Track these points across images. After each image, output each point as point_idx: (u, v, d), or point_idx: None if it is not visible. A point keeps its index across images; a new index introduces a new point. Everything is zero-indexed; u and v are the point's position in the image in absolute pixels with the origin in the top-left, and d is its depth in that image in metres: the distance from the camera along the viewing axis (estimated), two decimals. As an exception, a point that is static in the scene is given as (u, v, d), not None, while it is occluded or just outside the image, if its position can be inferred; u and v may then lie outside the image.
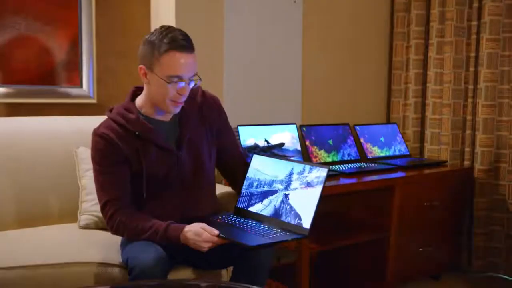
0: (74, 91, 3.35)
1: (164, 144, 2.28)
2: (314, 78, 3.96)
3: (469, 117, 3.96)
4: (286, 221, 2.21)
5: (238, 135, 3.39)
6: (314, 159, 3.63)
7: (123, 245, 2.30)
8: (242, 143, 3.39)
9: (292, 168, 2.31)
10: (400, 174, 3.60)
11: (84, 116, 3.14)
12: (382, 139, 4.07)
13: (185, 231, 2.12)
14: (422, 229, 3.64)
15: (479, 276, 3.91)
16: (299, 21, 3.85)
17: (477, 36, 3.90)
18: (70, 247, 2.44)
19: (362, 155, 3.92)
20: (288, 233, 2.14)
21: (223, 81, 3.49)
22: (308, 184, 2.21)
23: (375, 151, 3.98)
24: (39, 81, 3.25)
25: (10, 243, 2.53)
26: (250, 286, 1.96)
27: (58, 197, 2.84)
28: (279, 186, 2.32)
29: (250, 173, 2.45)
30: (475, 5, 3.87)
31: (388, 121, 4.40)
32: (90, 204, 2.72)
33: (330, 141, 3.80)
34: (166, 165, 2.29)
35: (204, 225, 2.12)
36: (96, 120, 2.35)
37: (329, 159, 3.72)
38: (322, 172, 2.20)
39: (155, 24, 3.34)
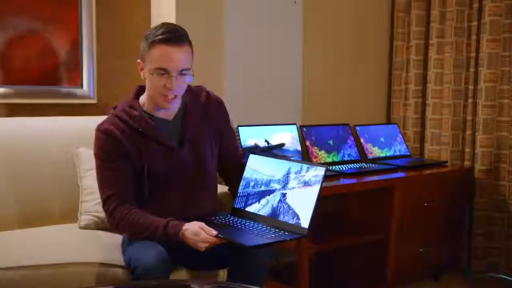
0: (74, 91, 3.35)
1: (167, 141, 2.28)
2: (314, 78, 3.96)
3: (469, 118, 3.96)
4: (284, 220, 2.19)
5: (238, 136, 3.39)
6: (314, 160, 3.63)
7: (125, 245, 2.30)
8: (242, 144, 3.39)
9: (290, 168, 2.29)
10: (400, 174, 3.61)
11: (85, 116, 3.14)
12: (382, 139, 4.07)
13: (183, 229, 2.11)
14: (422, 229, 3.64)
15: (479, 277, 3.91)
16: (300, 22, 3.85)
17: (477, 37, 3.90)
18: (70, 247, 2.45)
19: (362, 156, 3.93)
20: (286, 233, 2.12)
21: (223, 82, 3.49)
22: (306, 183, 2.19)
23: (375, 152, 3.98)
24: (39, 81, 3.25)
25: (11, 244, 2.53)
26: (251, 286, 1.96)
27: (59, 198, 2.84)
28: (276, 186, 2.30)
29: (247, 173, 2.43)
30: (475, 5, 3.87)
31: (388, 122, 4.40)
32: (90, 204, 2.72)
33: (331, 142, 3.80)
34: (168, 163, 2.28)
35: (202, 224, 2.11)
36: (97, 121, 2.34)
37: (329, 160, 3.72)
38: (320, 171, 2.18)
39: (155, 25, 3.34)
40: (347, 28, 4.15)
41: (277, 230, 2.14)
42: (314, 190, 2.15)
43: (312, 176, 2.18)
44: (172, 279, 2.22)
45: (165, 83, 2.17)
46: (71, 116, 3.14)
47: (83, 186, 2.77)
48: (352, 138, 3.93)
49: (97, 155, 2.28)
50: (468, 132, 3.96)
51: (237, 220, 2.30)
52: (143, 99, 2.33)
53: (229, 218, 2.33)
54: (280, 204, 2.24)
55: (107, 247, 2.43)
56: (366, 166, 3.73)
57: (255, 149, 3.45)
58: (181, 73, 2.18)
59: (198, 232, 2.08)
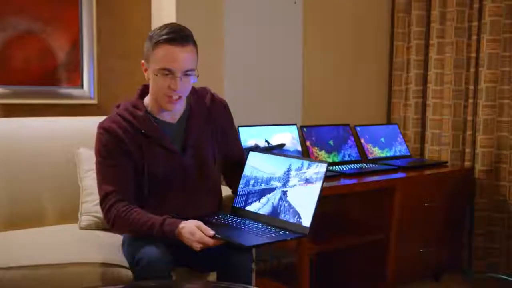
0: (74, 92, 3.35)
1: (169, 145, 2.26)
2: (314, 78, 3.96)
3: (469, 118, 3.96)
4: (285, 219, 2.14)
5: (239, 136, 3.39)
6: (314, 160, 3.64)
7: (125, 245, 2.29)
8: (242, 144, 3.39)
9: (290, 164, 2.24)
10: (400, 174, 3.61)
11: (85, 117, 3.14)
12: (382, 139, 4.07)
13: (180, 227, 2.07)
14: (422, 229, 3.65)
15: (479, 277, 3.91)
16: (300, 22, 3.85)
17: (477, 37, 3.90)
18: (70, 247, 2.44)
19: (363, 156, 3.93)
20: (287, 232, 2.09)
21: (223, 82, 3.49)
22: (307, 181, 2.15)
23: (376, 152, 3.98)
24: (39, 81, 3.25)
25: (11, 244, 2.53)
26: (249, 286, 1.96)
27: (59, 198, 2.84)
28: (277, 184, 2.25)
29: (247, 171, 2.39)
30: (476, 5, 3.88)
31: (389, 122, 4.41)
32: (91, 204, 2.72)
33: (331, 142, 3.81)
34: (169, 166, 2.26)
35: (200, 223, 2.08)
36: (97, 121, 2.33)
37: (329, 160, 3.72)
38: (321, 168, 2.13)
39: (156, 25, 3.34)
40: (347, 28, 4.15)
41: (278, 230, 2.10)
42: (316, 188, 2.11)
43: (314, 173, 2.14)
44: (171, 280, 2.19)
45: (169, 83, 2.14)
46: (72, 117, 3.14)
47: (83, 187, 2.77)
48: (353, 139, 3.94)
49: (98, 152, 2.25)
50: (469, 132, 3.96)
51: (237, 220, 2.25)
52: (147, 100, 2.31)
53: (228, 218, 2.29)
54: (280, 203, 2.20)
55: (107, 247, 2.42)
56: (366, 166, 3.73)
57: (256, 149, 3.44)
58: (186, 73, 2.16)
59: (194, 231, 2.05)
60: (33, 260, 2.29)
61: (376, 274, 3.53)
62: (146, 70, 2.23)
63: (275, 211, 2.20)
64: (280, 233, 2.08)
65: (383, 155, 4.00)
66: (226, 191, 2.62)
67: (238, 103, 3.53)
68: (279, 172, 2.27)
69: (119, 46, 3.40)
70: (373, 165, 3.76)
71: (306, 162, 2.20)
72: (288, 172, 2.24)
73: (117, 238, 2.41)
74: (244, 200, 2.35)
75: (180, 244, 2.08)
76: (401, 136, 4.20)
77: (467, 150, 3.97)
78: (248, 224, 2.20)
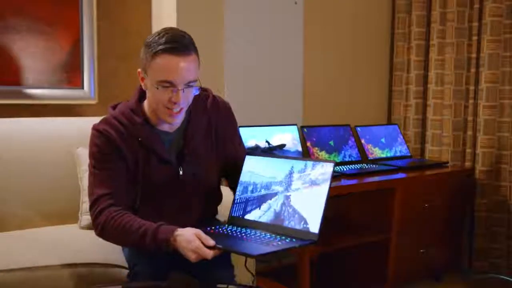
0: (75, 92, 3.36)
1: (166, 156, 2.11)
2: (315, 79, 3.96)
3: (470, 118, 3.96)
4: (290, 226, 1.97)
5: (242, 139, 3.39)
6: (315, 160, 3.63)
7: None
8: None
9: (292, 167, 2.07)
10: (401, 175, 3.61)
11: (85, 117, 3.15)
12: (383, 140, 4.07)
13: (176, 234, 1.89)
14: (423, 230, 3.65)
15: (480, 277, 3.91)
16: (300, 22, 3.85)
17: (478, 37, 3.90)
18: (71, 248, 2.45)
19: (363, 156, 3.93)
20: (294, 240, 1.91)
21: (224, 82, 3.49)
22: (313, 183, 1.98)
23: (376, 152, 3.98)
24: (40, 82, 3.26)
25: (11, 244, 2.53)
26: (250, 285, 1.94)
27: (59, 198, 2.84)
28: (278, 188, 2.07)
29: (244, 177, 2.19)
30: (476, 6, 3.88)
31: (389, 122, 4.40)
32: (91, 205, 2.72)
33: (331, 142, 3.81)
34: (164, 176, 2.12)
35: (199, 232, 1.89)
36: (97, 121, 2.33)
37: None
38: (328, 168, 1.96)
39: (156, 26, 3.35)
40: (347, 29, 4.15)
41: (283, 237, 1.94)
42: (323, 190, 1.94)
43: (319, 174, 1.97)
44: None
45: (170, 96, 1.97)
46: (72, 117, 3.14)
47: (83, 187, 2.77)
48: (353, 139, 3.94)
49: (92, 155, 2.10)
50: (469, 132, 3.96)
51: (236, 230, 2.07)
52: (146, 105, 2.14)
53: (227, 228, 2.10)
54: (284, 208, 2.02)
55: (107, 247, 2.41)
56: (367, 167, 3.73)
57: (256, 150, 3.45)
58: (188, 85, 1.99)
59: (191, 239, 1.86)
60: (33, 262, 2.29)
61: (376, 274, 3.53)
62: (143, 79, 2.06)
63: (278, 218, 2.03)
64: (287, 240, 1.92)
65: (383, 155, 4.00)
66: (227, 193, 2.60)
67: (238, 103, 3.52)
68: (280, 176, 2.09)
69: (120, 47, 3.40)
70: (374, 166, 3.76)
71: (310, 163, 2.03)
72: (290, 175, 2.07)
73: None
74: (242, 208, 2.16)
75: (174, 256, 1.92)
76: (401, 137, 4.20)
77: (468, 150, 3.98)
78: (249, 233, 2.03)
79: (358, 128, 3.98)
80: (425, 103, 4.22)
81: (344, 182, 3.34)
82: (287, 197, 2.04)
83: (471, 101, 3.96)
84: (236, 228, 2.09)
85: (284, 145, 3.59)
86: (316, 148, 3.70)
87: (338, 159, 3.79)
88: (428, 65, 4.18)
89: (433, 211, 3.66)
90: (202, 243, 1.85)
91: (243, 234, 2.02)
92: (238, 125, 3.22)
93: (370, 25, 4.27)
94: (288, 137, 3.64)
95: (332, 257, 3.66)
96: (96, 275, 2.27)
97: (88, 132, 2.25)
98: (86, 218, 2.72)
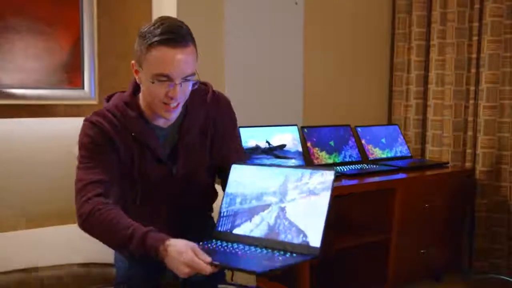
0: (75, 92, 3.35)
1: (160, 153, 2.01)
2: (315, 79, 3.96)
3: (470, 119, 3.96)
4: (287, 240, 1.78)
5: (240, 138, 3.38)
6: (315, 161, 3.63)
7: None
8: (243, 145, 3.38)
9: (286, 175, 1.88)
10: (401, 175, 3.61)
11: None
12: (383, 140, 4.06)
13: (167, 244, 1.70)
14: (423, 230, 3.64)
15: (480, 278, 3.91)
16: (301, 23, 3.85)
17: (478, 38, 3.89)
18: (71, 248, 2.44)
19: (364, 157, 3.93)
20: (294, 255, 1.73)
21: (224, 82, 3.49)
22: (311, 192, 1.81)
23: (377, 153, 3.97)
24: (40, 82, 3.25)
25: (11, 246, 2.53)
26: (250, 286, 1.91)
27: (58, 198, 2.84)
28: (271, 199, 1.88)
29: (230, 187, 1.99)
30: (477, 6, 3.87)
31: (390, 123, 4.40)
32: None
33: (332, 143, 3.80)
34: (156, 173, 2.02)
35: (193, 245, 1.70)
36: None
37: (330, 161, 3.72)
38: (328, 176, 1.79)
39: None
40: (348, 29, 4.15)
41: (281, 252, 1.75)
42: (323, 200, 1.77)
43: (318, 183, 1.80)
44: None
45: (166, 91, 1.85)
46: (72, 117, 3.14)
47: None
48: (353, 139, 3.93)
49: (83, 145, 1.95)
50: (469, 133, 3.96)
51: (227, 245, 1.87)
52: (141, 98, 2.02)
53: (216, 244, 1.89)
54: (279, 221, 1.83)
55: (106, 247, 2.42)
56: (367, 167, 3.73)
57: (256, 150, 3.45)
58: (186, 79, 1.87)
59: (184, 251, 1.67)
60: (33, 262, 2.29)
61: (376, 274, 3.53)
62: (137, 72, 1.93)
63: (272, 231, 1.83)
64: (287, 255, 1.73)
65: (384, 155, 4.00)
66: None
67: (238, 103, 3.50)
68: (273, 186, 1.90)
69: (120, 47, 3.39)
70: (374, 166, 3.76)
71: (307, 171, 1.85)
72: (284, 184, 1.88)
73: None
74: (230, 222, 1.95)
75: (159, 265, 1.75)
76: (401, 137, 4.19)
77: (468, 151, 3.97)
78: (243, 248, 1.83)
79: (359, 129, 3.98)
80: (425, 103, 4.21)
81: (345, 182, 3.34)
82: (282, 209, 1.85)
83: (471, 101, 3.96)
84: (226, 243, 1.88)
85: (284, 146, 3.58)
86: (317, 149, 3.69)
87: (339, 159, 3.78)
88: (428, 66, 4.17)
89: (434, 211, 3.65)
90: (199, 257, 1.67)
91: (237, 250, 1.82)
92: (239, 125, 3.20)
93: (370, 25, 4.27)
94: (288, 137, 3.64)
95: (332, 258, 3.65)
96: (95, 275, 2.27)
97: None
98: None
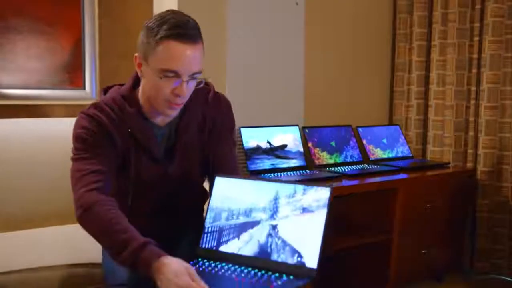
0: (76, 93, 3.35)
1: (156, 153, 1.95)
2: (316, 79, 3.95)
3: (471, 119, 3.96)
4: (280, 260, 1.67)
5: (241, 137, 3.39)
6: (316, 161, 3.63)
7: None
8: (244, 145, 3.39)
9: (277, 191, 1.77)
10: (402, 175, 3.60)
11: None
12: (384, 140, 4.06)
13: (163, 261, 1.59)
14: (424, 231, 3.64)
15: (481, 278, 3.90)
16: (301, 23, 3.84)
17: (479, 38, 3.90)
18: (71, 248, 2.45)
19: (365, 157, 3.92)
20: (291, 277, 1.64)
21: (225, 82, 3.48)
22: (305, 210, 1.70)
23: (378, 153, 3.97)
24: (42, 82, 3.25)
25: (11, 246, 2.54)
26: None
27: (60, 198, 2.83)
28: (261, 215, 1.76)
29: (215, 201, 1.87)
30: (478, 6, 3.88)
31: (391, 123, 4.40)
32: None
33: (333, 143, 3.80)
34: (152, 171, 1.96)
35: (190, 268, 1.59)
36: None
37: (331, 161, 3.72)
38: (324, 193, 1.69)
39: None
40: (349, 30, 4.14)
41: (277, 274, 1.65)
42: (318, 218, 1.67)
43: (313, 200, 1.70)
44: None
45: (173, 87, 1.79)
46: (73, 117, 3.13)
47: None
48: (354, 140, 3.93)
49: (79, 138, 1.88)
50: (471, 133, 3.96)
51: (216, 265, 1.75)
52: (140, 93, 1.94)
53: (204, 264, 1.77)
54: (271, 240, 1.72)
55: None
56: (368, 167, 3.73)
57: (257, 151, 3.44)
58: (192, 76, 1.81)
59: (180, 273, 1.55)
60: (33, 263, 2.30)
61: (378, 275, 3.53)
62: (140, 65, 1.86)
63: (263, 251, 1.71)
64: (284, 279, 1.63)
65: (385, 156, 3.99)
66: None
67: (240, 104, 3.51)
68: (263, 201, 1.78)
69: (121, 47, 3.39)
70: (375, 166, 3.75)
71: (300, 187, 1.74)
72: (275, 200, 1.76)
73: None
74: (215, 238, 1.82)
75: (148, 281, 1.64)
76: (403, 137, 4.19)
77: (469, 151, 3.97)
78: (235, 270, 1.71)
79: (360, 129, 3.97)
80: (426, 103, 4.21)
81: (346, 182, 3.34)
82: (274, 227, 1.74)
83: (472, 101, 3.96)
84: (215, 263, 1.77)
85: (285, 146, 3.58)
86: (318, 149, 3.69)
87: (340, 159, 3.78)
88: (429, 66, 4.18)
89: (435, 211, 3.65)
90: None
91: (230, 272, 1.70)
92: (240, 125, 3.19)
93: (371, 25, 4.27)
94: (289, 137, 3.63)
95: (333, 258, 3.65)
96: (94, 275, 2.26)
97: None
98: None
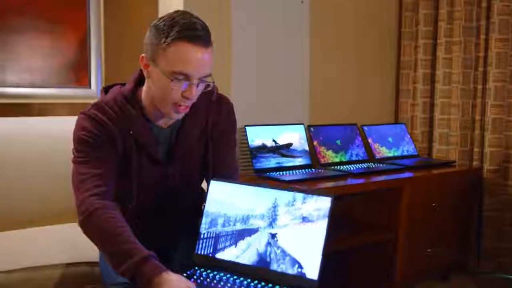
0: (82, 91, 3.36)
1: (158, 155, 1.93)
2: (322, 78, 3.95)
3: (478, 117, 3.95)
4: (280, 271, 1.64)
5: (246, 136, 3.39)
6: (322, 159, 3.62)
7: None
8: (249, 144, 3.39)
9: (276, 198, 1.72)
10: (408, 174, 3.60)
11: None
12: (390, 139, 4.06)
13: (164, 277, 1.56)
14: (430, 229, 3.63)
15: (487, 277, 3.90)
16: (306, 22, 3.84)
17: (486, 36, 3.89)
18: (74, 247, 2.45)
19: (370, 155, 3.92)
20: None
21: (231, 82, 3.49)
22: (305, 219, 1.66)
23: (383, 151, 3.97)
24: (47, 81, 3.27)
25: (13, 245, 2.56)
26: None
27: (64, 197, 2.85)
28: (259, 223, 1.72)
29: (210, 206, 1.82)
30: (484, 4, 3.87)
31: (396, 121, 4.39)
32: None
33: (338, 142, 3.80)
34: (154, 176, 1.94)
35: (192, 286, 1.57)
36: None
37: (337, 159, 3.71)
38: (325, 202, 1.65)
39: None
40: (354, 28, 4.14)
41: (277, 287, 1.63)
42: (319, 228, 1.63)
43: (313, 210, 1.66)
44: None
45: (183, 90, 1.75)
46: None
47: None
48: (360, 138, 3.92)
49: (79, 139, 1.84)
50: (477, 131, 3.95)
51: (211, 275, 1.71)
52: (143, 94, 1.90)
53: (199, 274, 1.72)
54: (269, 249, 1.68)
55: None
56: (374, 166, 3.72)
57: (263, 149, 3.44)
58: (202, 79, 1.78)
59: None
60: (35, 261, 2.31)
61: (384, 273, 3.52)
62: (147, 66, 1.80)
63: (262, 260, 1.68)
64: None
65: (390, 154, 3.99)
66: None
67: (246, 103, 3.54)
68: (261, 208, 1.73)
69: (127, 46, 3.40)
70: (381, 165, 3.75)
71: (299, 195, 1.69)
72: (274, 208, 1.72)
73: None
74: (211, 245, 1.77)
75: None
76: (408, 136, 4.19)
77: (475, 149, 3.96)
78: (229, 280, 1.67)
79: (365, 127, 3.97)
80: (432, 102, 4.21)
81: (351, 181, 3.34)
82: (273, 235, 1.70)
83: (478, 100, 3.95)
84: (212, 273, 1.72)
85: (291, 144, 3.58)
86: (323, 147, 3.69)
87: (345, 158, 3.78)
88: (435, 64, 4.17)
89: (441, 210, 3.64)
90: None
91: (229, 284, 1.65)
92: (246, 124, 3.19)
93: (376, 24, 4.26)
94: (295, 136, 3.63)
95: (339, 257, 3.65)
96: (97, 273, 2.26)
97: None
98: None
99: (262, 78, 3.67)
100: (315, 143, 3.67)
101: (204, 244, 1.78)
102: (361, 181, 3.38)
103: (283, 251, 1.66)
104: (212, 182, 1.86)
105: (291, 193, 1.71)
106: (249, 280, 1.65)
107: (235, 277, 1.68)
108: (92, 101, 3.34)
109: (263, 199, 1.74)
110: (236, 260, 1.71)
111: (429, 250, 3.63)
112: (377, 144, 3.96)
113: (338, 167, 3.61)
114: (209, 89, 1.85)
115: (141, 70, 1.88)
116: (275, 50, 3.72)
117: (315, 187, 3.16)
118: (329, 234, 1.63)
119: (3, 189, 2.80)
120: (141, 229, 1.72)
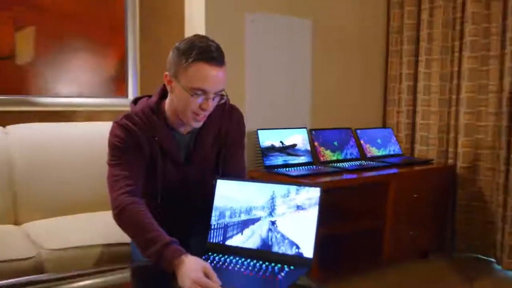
0: (121, 101, 3.39)
1: (180, 159, 1.93)
2: (322, 90, 3.95)
3: (452, 123, 3.92)
4: (281, 252, 1.67)
5: (257, 138, 3.40)
6: (321, 158, 3.62)
7: None
8: (260, 144, 3.40)
9: (273, 191, 1.75)
10: (394, 170, 3.58)
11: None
12: (379, 141, 4.04)
13: (183, 259, 1.57)
14: (412, 216, 3.62)
15: (460, 256, 3.88)
16: (310, 44, 3.83)
17: (459, 54, 3.86)
18: (115, 229, 2.46)
19: (362, 155, 3.91)
20: (292, 267, 1.61)
21: (244, 92, 3.50)
22: (299, 208, 1.68)
23: (373, 151, 3.96)
24: (93, 92, 3.30)
25: (66, 227, 2.59)
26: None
27: (105, 189, 2.87)
28: (260, 213, 1.74)
29: (218, 202, 1.83)
30: (458, 28, 3.84)
31: (384, 126, 4.37)
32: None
33: (335, 143, 3.79)
34: (175, 178, 1.94)
35: (208, 266, 1.55)
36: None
37: (334, 158, 3.71)
38: (314, 192, 1.67)
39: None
40: (350, 47, 4.08)
41: (279, 265, 1.63)
42: (311, 214, 1.66)
43: (305, 199, 1.68)
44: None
45: (200, 103, 1.77)
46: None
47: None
48: (354, 140, 3.92)
49: (112, 145, 1.85)
50: (452, 135, 3.92)
51: (221, 258, 1.71)
52: (167, 105, 1.90)
53: (211, 257, 1.73)
54: (270, 234, 1.71)
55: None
56: (365, 163, 3.72)
57: (272, 149, 3.45)
58: (217, 94, 1.80)
59: (195, 268, 1.53)
60: (85, 241, 2.36)
61: (373, 254, 3.51)
62: (170, 82, 1.81)
63: (265, 243, 1.70)
64: (286, 270, 1.60)
65: (379, 154, 3.98)
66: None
67: (257, 110, 3.54)
68: (261, 200, 1.76)
69: (158, 64, 3.41)
70: (371, 162, 3.74)
71: (293, 187, 1.72)
72: (272, 199, 1.75)
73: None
74: (221, 234, 1.79)
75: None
76: (394, 138, 4.17)
77: (450, 149, 3.93)
78: (242, 263, 1.67)
79: (358, 131, 3.96)
80: (414, 109, 4.17)
81: (346, 176, 3.32)
82: (273, 223, 1.72)
83: (453, 108, 3.92)
84: (222, 256, 1.72)
85: (295, 145, 3.58)
86: (323, 148, 3.68)
87: (341, 156, 3.77)
88: (417, 77, 4.13)
89: (421, 200, 3.63)
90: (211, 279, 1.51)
91: (238, 265, 1.66)
92: (257, 128, 3.17)
93: (368, 44, 4.24)
94: (299, 138, 3.63)
95: (335, 240, 3.64)
96: (129, 252, 2.23)
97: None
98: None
99: (271, 89, 3.68)
100: (315, 144, 3.66)
101: (215, 234, 1.79)
102: (354, 176, 3.37)
103: (282, 236, 1.69)
104: (219, 181, 1.86)
105: (286, 186, 1.74)
106: (254, 261, 1.68)
107: (243, 259, 1.70)
108: (129, 109, 3.37)
109: (262, 193, 1.77)
110: (243, 245, 1.74)
111: (411, 232, 3.62)
112: (368, 145, 3.95)
113: (335, 164, 3.60)
114: (223, 101, 1.85)
115: (164, 85, 1.89)
116: (283, 66, 3.72)
117: (316, 180, 3.16)
118: (320, 219, 1.64)
119: (59, 182, 2.83)
120: (164, 221, 1.73)
